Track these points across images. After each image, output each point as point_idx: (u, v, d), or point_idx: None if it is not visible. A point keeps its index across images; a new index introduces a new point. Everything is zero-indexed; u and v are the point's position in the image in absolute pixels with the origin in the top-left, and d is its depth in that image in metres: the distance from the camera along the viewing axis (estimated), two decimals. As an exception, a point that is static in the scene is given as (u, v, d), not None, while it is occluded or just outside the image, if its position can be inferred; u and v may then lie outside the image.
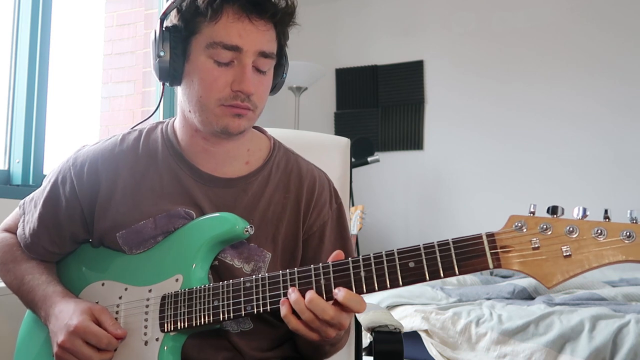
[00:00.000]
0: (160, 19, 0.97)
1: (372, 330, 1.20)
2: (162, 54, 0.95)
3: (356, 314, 1.29)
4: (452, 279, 2.74)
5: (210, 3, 0.92)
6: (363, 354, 1.33)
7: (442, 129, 3.90)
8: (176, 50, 0.95)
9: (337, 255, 0.86)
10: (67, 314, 0.93)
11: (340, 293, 0.81)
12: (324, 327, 0.82)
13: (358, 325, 1.32)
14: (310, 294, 0.82)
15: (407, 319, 2.24)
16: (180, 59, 0.96)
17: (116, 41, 2.98)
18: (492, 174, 3.74)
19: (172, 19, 0.97)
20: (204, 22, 0.93)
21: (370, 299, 2.34)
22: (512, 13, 3.75)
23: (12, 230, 1.11)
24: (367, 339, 1.25)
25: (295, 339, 1.04)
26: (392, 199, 3.96)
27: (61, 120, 2.45)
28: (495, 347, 2.06)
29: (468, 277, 2.79)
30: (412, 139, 3.97)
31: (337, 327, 0.84)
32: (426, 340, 2.19)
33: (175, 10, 0.96)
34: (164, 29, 0.96)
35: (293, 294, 0.83)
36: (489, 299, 2.38)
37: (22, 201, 1.10)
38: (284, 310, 0.84)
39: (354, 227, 2.88)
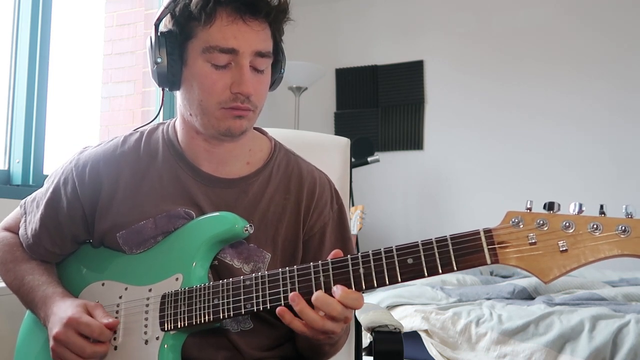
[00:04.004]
0: (155, 25, 0.97)
1: (372, 330, 1.20)
2: (159, 60, 0.95)
3: (356, 314, 1.29)
4: (452, 279, 2.74)
5: (203, 7, 0.92)
6: (363, 354, 1.33)
7: (442, 129, 3.90)
8: (173, 55, 0.95)
9: (335, 254, 0.86)
10: (62, 309, 0.93)
11: (338, 291, 0.81)
12: (329, 323, 0.83)
13: (358, 325, 1.32)
14: (317, 294, 0.82)
15: (407, 319, 2.24)
16: (178, 65, 0.96)
17: (116, 41, 2.98)
18: (492, 173, 3.74)
19: (167, 24, 0.97)
20: (198, 26, 0.93)
21: (370, 298, 2.35)
22: (512, 14, 3.76)
23: (12, 229, 1.11)
24: (367, 339, 1.24)
25: (295, 339, 1.04)
26: (392, 199, 3.96)
27: (61, 120, 2.45)
28: (495, 347, 2.06)
29: (468, 277, 2.79)
30: (412, 139, 3.97)
31: (343, 321, 0.84)
32: (426, 340, 2.19)
33: (169, 15, 0.97)
34: (159, 34, 0.96)
35: (297, 300, 0.83)
36: (489, 299, 2.38)
37: (23, 201, 1.10)
38: (288, 318, 0.84)
39: (354, 227, 2.88)
